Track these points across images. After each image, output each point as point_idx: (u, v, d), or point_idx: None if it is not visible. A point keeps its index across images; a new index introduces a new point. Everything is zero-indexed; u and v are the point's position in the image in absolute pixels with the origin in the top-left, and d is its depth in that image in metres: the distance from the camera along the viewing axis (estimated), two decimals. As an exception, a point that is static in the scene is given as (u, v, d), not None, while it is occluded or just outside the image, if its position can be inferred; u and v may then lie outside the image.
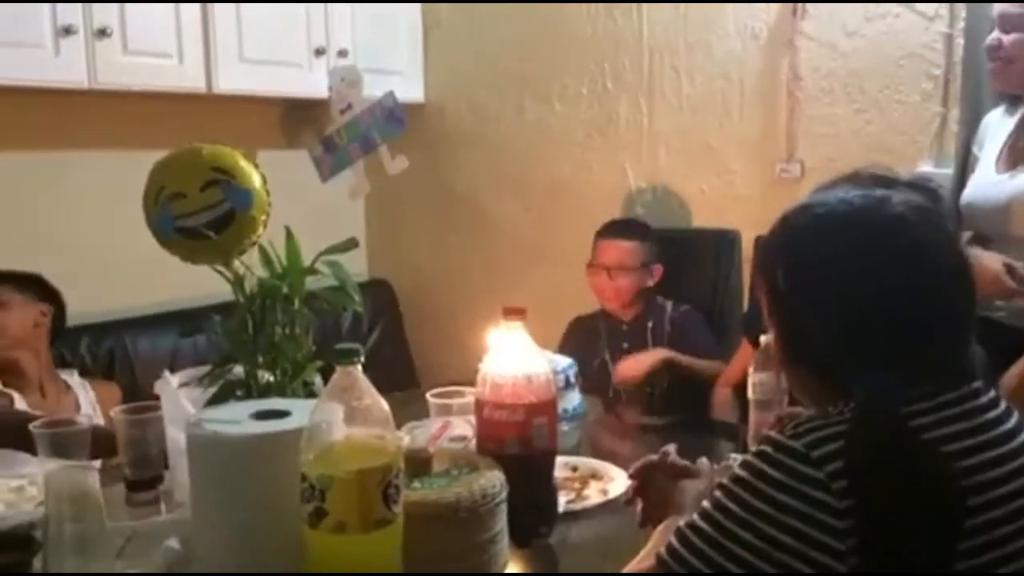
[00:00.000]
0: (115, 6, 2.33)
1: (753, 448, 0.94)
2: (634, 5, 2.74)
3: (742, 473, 0.91)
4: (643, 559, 1.06)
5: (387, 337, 3.22)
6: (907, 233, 0.94)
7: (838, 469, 0.86)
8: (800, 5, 2.42)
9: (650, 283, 2.50)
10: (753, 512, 0.88)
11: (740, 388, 2.35)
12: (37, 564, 1.15)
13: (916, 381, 0.91)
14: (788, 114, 2.49)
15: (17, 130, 2.49)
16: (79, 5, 2.26)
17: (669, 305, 2.53)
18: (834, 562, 0.85)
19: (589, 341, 2.57)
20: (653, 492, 1.25)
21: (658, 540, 1.10)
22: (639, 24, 2.75)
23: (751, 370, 1.62)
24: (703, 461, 1.26)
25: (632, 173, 2.82)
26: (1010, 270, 1.71)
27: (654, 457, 1.28)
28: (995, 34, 1.89)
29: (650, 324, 2.50)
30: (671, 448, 1.29)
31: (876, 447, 0.87)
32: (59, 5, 2.22)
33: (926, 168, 2.24)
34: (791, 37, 2.44)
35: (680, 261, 2.55)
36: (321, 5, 2.82)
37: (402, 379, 2.97)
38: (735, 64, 2.58)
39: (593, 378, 2.50)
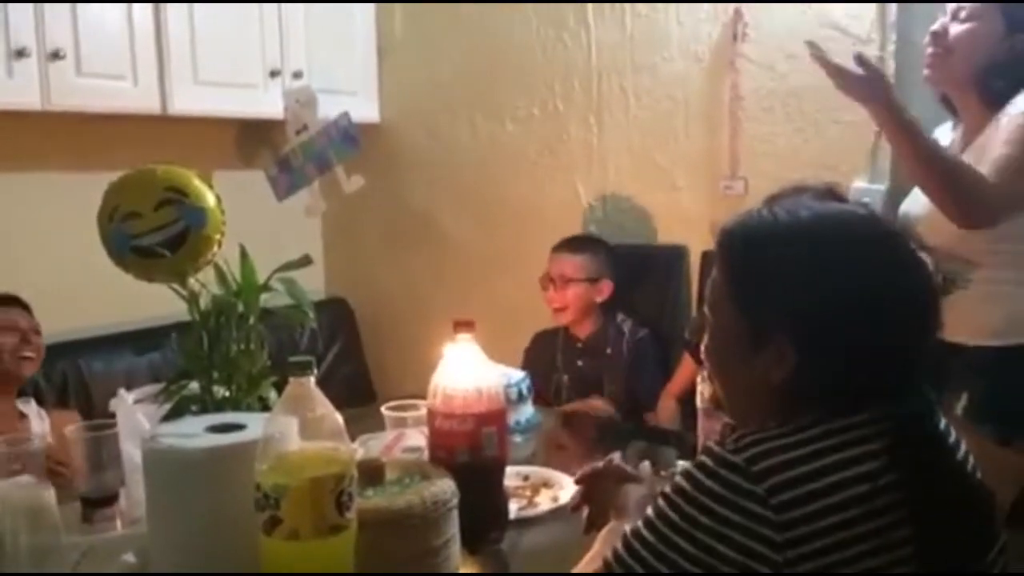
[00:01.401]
0: (68, 28, 2.34)
1: (696, 458, 0.95)
2: (582, 28, 2.82)
3: (684, 484, 0.93)
4: (588, 563, 1.10)
5: (345, 354, 3.24)
6: (902, 246, 0.98)
7: (778, 483, 0.88)
8: (740, 29, 2.50)
9: (598, 298, 2.55)
10: (692, 523, 0.90)
11: (682, 399, 2.43)
12: (-7, 579, 1.16)
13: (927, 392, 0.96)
14: (731, 133, 2.57)
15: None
16: (32, 27, 2.26)
17: (628, 327, 2.56)
18: (771, 572, 0.87)
19: (548, 355, 2.62)
20: (598, 498, 1.28)
21: (601, 544, 1.14)
22: (588, 46, 2.82)
23: (699, 379, 1.67)
24: (645, 465, 1.31)
25: (583, 190, 2.89)
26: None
27: (599, 463, 1.33)
28: (944, 20, 1.79)
29: (608, 350, 2.55)
30: (616, 455, 1.34)
31: (924, 463, 0.91)
32: (12, 28, 2.23)
33: (861, 184, 2.33)
34: (732, 59, 2.53)
35: (630, 276, 2.62)
36: (276, 26, 2.85)
37: (360, 395, 2.99)
38: (680, 85, 2.67)
39: (552, 391, 2.56)
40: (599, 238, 2.69)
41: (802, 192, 1.72)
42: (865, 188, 2.31)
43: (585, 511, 1.31)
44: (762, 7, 2.49)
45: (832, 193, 1.75)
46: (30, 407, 2.29)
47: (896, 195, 2.11)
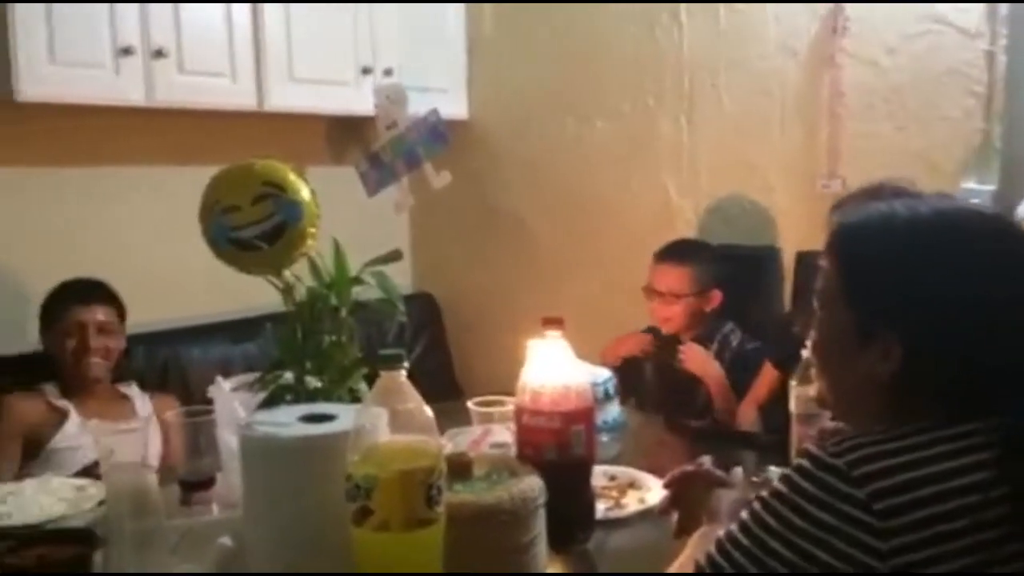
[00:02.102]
0: (171, 27, 2.42)
1: (794, 462, 0.93)
2: (674, 24, 2.78)
3: (782, 488, 0.91)
4: (679, 567, 1.08)
5: (431, 349, 3.27)
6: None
7: (880, 489, 0.85)
8: (840, 23, 2.43)
9: (707, 308, 2.46)
10: (791, 528, 0.88)
11: (763, 407, 2.36)
12: (98, 559, 1.20)
13: None
14: (830, 130, 2.49)
15: (77, 146, 2.59)
16: (138, 26, 2.35)
17: (736, 339, 2.48)
18: None
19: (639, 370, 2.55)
20: (688, 502, 1.26)
21: (693, 549, 1.12)
22: (680, 43, 2.78)
23: (793, 383, 1.62)
24: (737, 471, 1.28)
25: (673, 190, 2.84)
26: None
27: (689, 467, 1.30)
28: None
29: (714, 348, 2.47)
30: (706, 459, 1.31)
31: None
32: (119, 27, 2.32)
33: (969, 185, 2.23)
34: (832, 54, 2.46)
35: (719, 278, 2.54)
36: (368, 24, 2.90)
37: (445, 390, 3.01)
38: (775, 81, 2.60)
39: (638, 391, 2.51)
40: (704, 243, 2.59)
41: (876, 195, 1.65)
42: (974, 189, 2.21)
43: (675, 515, 1.29)
44: (863, 0, 2.41)
45: (910, 194, 1.68)
46: (132, 390, 2.38)
47: (1006, 197, 2.02)
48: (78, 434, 2.18)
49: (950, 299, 0.91)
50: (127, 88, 2.36)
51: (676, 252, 2.48)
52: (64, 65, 2.24)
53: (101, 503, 1.43)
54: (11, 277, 2.45)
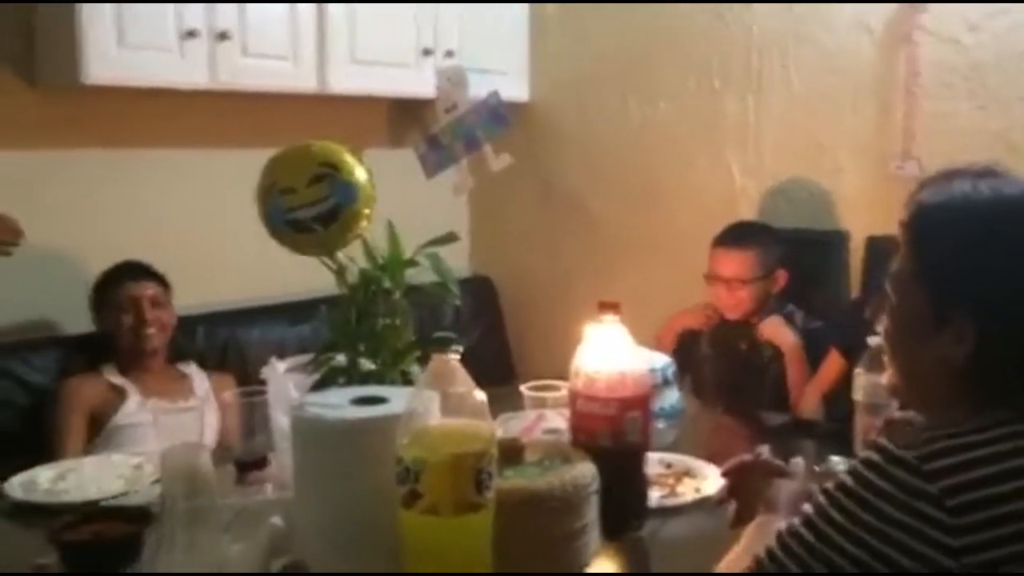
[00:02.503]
0: (235, 9, 2.43)
1: (861, 454, 0.91)
2: (744, 3, 2.70)
3: (849, 482, 0.88)
4: (736, 558, 1.05)
5: (488, 333, 3.26)
6: None
7: (954, 484, 0.83)
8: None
9: (774, 291, 2.40)
10: (858, 523, 0.86)
11: (827, 395, 2.29)
12: (151, 536, 1.22)
13: None
14: (905, 110, 2.40)
15: (142, 128, 2.63)
16: (202, 9, 2.37)
17: (799, 317, 2.42)
18: None
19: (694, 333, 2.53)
20: (746, 492, 1.23)
21: (750, 539, 1.09)
22: (747, 20, 2.70)
23: (859, 371, 1.57)
24: (797, 461, 1.24)
25: (738, 171, 2.77)
26: None
27: (748, 456, 1.26)
28: None
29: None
30: (765, 448, 1.27)
31: None
32: (184, 10, 2.34)
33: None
34: (909, 32, 2.36)
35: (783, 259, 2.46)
36: (431, 6, 2.88)
37: (501, 374, 3.00)
38: (847, 60, 2.51)
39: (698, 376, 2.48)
40: (764, 224, 2.51)
41: (953, 177, 1.57)
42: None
43: (732, 505, 1.25)
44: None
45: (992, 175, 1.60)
46: (191, 368, 2.43)
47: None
48: (138, 412, 2.22)
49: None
50: (192, 70, 2.38)
51: (738, 236, 2.42)
52: (131, 48, 2.26)
53: (156, 481, 1.45)
54: (79, 257, 2.50)
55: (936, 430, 0.87)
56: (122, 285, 2.31)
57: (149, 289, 2.33)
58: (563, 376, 1.43)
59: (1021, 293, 0.88)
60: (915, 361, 0.97)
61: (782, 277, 2.39)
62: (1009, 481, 0.83)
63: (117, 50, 2.24)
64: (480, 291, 3.29)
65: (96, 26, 2.20)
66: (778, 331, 2.38)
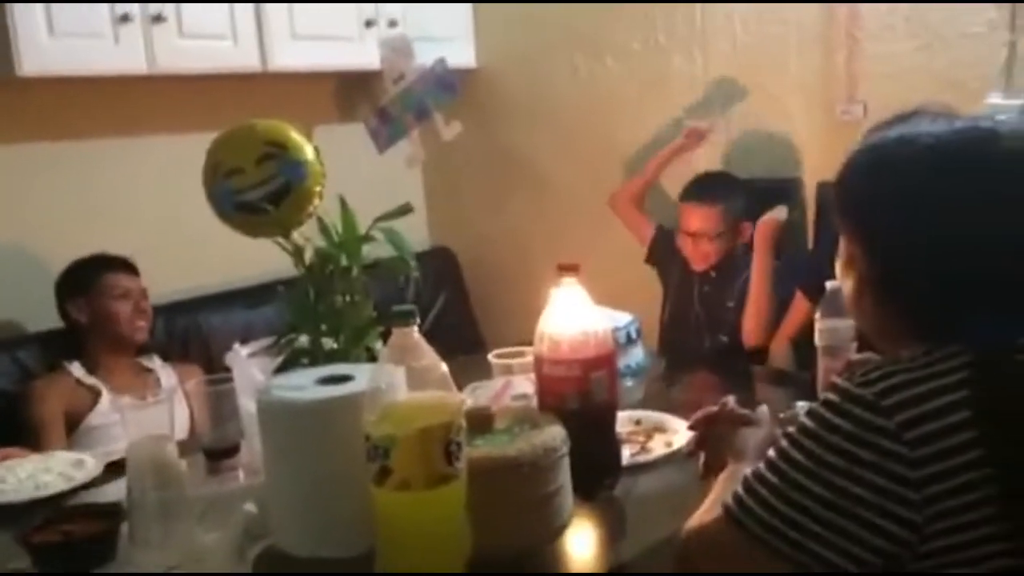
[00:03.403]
0: (169, -9, 2.37)
1: (821, 396, 0.92)
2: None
3: (809, 423, 0.90)
4: (708, 509, 1.07)
5: (452, 303, 3.25)
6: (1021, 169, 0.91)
7: (911, 418, 0.84)
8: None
9: (740, 241, 2.43)
10: (821, 463, 0.87)
11: (795, 341, 2.33)
12: (124, 531, 1.20)
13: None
14: (847, 54, 2.41)
15: (82, 118, 2.56)
16: (134, -8, 2.31)
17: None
18: (909, 512, 0.84)
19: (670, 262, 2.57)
20: (714, 442, 1.25)
21: (721, 489, 1.10)
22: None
23: (818, 316, 1.59)
24: (762, 409, 1.26)
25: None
26: None
27: (714, 408, 1.28)
28: None
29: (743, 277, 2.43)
30: (730, 398, 1.29)
31: (1003, 394, 0.85)
32: (116, -7, 2.28)
33: (995, 100, 2.15)
34: (848, -25, 2.37)
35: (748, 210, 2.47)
36: (369, -23, 2.83)
37: (468, 344, 3.00)
38: (790, 8, 2.51)
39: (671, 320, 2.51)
40: (729, 175, 2.51)
41: (908, 119, 1.59)
42: (999, 105, 2.13)
43: (701, 457, 1.27)
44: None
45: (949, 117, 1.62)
46: (155, 362, 2.39)
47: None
48: (110, 411, 2.19)
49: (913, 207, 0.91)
50: (128, 56, 2.32)
51: (703, 190, 2.44)
52: (63, 36, 2.20)
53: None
54: (20, 254, 2.45)
55: (888, 366, 0.88)
56: (117, 274, 2.29)
57: (139, 284, 2.33)
58: (529, 341, 1.44)
59: (909, 218, 0.91)
60: (861, 306, 1.00)
61: (747, 229, 2.42)
62: (959, 411, 0.84)
63: (49, 40, 2.18)
64: (441, 262, 3.28)
65: (26, 16, 2.14)
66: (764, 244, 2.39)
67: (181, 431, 2.17)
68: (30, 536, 1.17)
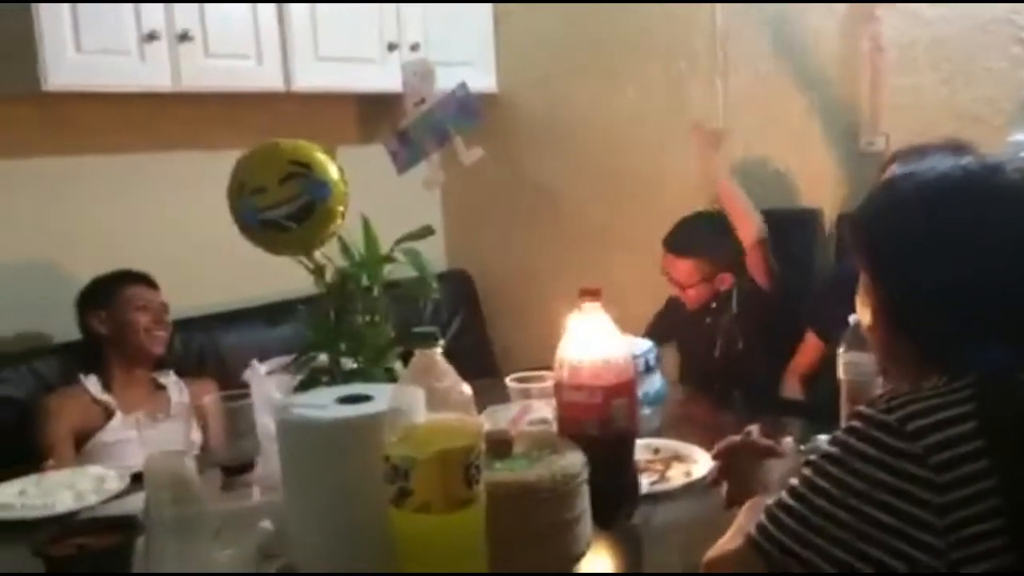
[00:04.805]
0: (195, 10, 2.40)
1: (844, 424, 0.92)
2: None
3: (833, 450, 0.89)
4: (730, 539, 1.05)
5: (467, 326, 3.25)
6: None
7: (935, 443, 0.84)
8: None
9: (721, 288, 2.42)
10: (845, 489, 0.87)
11: (806, 378, 2.31)
12: (140, 546, 1.20)
13: None
14: (870, 87, 2.41)
15: (106, 134, 2.58)
16: (162, 10, 2.33)
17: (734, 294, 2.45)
18: (934, 539, 0.83)
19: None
20: (738, 472, 1.24)
21: (744, 520, 1.09)
22: (710, 4, 2.70)
23: (841, 349, 1.58)
24: (788, 440, 1.25)
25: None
26: None
27: (737, 438, 1.27)
28: None
29: (713, 304, 2.44)
30: (754, 428, 1.28)
31: (1008, 421, 0.86)
32: (143, 12, 2.30)
33: (1018, 136, 2.15)
34: (872, 8, 2.37)
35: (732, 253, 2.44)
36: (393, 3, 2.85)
37: (483, 367, 2.99)
38: (812, 39, 2.52)
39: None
40: (710, 219, 2.47)
41: (924, 152, 1.58)
42: (1022, 142, 2.12)
43: (724, 486, 1.26)
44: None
45: (960, 151, 1.62)
46: (169, 378, 2.39)
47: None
48: (121, 428, 2.18)
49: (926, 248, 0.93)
50: (154, 73, 2.34)
51: (677, 244, 2.43)
52: (89, 53, 2.22)
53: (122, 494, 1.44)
54: (44, 267, 2.46)
55: (909, 395, 0.89)
56: (141, 286, 2.32)
57: (159, 297, 2.35)
58: (546, 365, 1.43)
59: (921, 256, 0.92)
60: (876, 336, 1.02)
61: (727, 279, 2.41)
62: (979, 438, 0.85)
63: (76, 55, 2.20)
64: (457, 284, 3.28)
65: (54, 32, 2.16)
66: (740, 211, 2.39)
67: (195, 448, 2.17)
68: (46, 547, 1.16)
